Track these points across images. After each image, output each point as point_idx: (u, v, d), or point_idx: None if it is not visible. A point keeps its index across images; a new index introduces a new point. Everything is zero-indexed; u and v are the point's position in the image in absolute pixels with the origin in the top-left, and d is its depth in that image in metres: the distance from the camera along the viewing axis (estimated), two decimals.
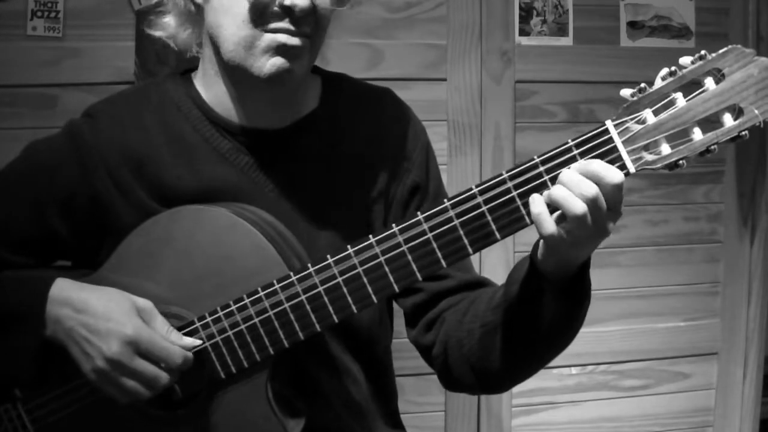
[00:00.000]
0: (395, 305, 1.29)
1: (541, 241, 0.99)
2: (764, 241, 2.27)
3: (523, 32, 2.09)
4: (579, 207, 0.91)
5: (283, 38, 1.08)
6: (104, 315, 1.04)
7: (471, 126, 2.07)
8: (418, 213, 0.98)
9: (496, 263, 2.08)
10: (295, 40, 1.09)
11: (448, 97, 2.05)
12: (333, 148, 1.21)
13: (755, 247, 2.27)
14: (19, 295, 1.09)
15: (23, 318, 1.07)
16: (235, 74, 1.14)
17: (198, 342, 1.06)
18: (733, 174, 2.25)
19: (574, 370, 2.20)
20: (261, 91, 1.16)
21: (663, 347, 2.25)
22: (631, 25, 2.15)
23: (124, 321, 1.04)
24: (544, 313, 1.03)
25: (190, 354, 1.05)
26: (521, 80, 2.10)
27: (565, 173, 0.93)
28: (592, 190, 0.91)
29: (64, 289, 1.08)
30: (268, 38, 1.09)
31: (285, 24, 1.08)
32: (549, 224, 0.93)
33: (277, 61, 1.09)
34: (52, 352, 1.08)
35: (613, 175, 0.91)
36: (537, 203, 0.94)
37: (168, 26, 1.20)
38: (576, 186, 0.91)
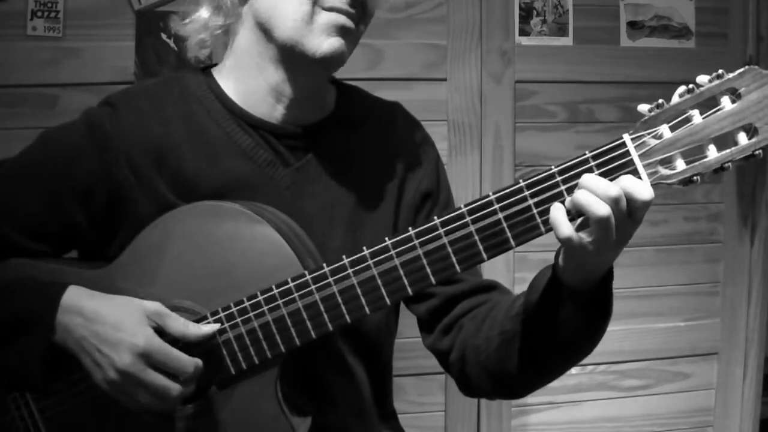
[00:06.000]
0: (405, 310, 1.29)
1: (562, 249, 0.99)
2: (764, 241, 2.27)
3: (523, 32, 2.09)
4: (603, 209, 0.91)
5: (342, 20, 1.11)
6: (115, 325, 1.03)
7: (471, 126, 2.07)
8: (435, 218, 0.99)
9: (495, 260, 2.07)
10: (351, 23, 1.12)
11: (448, 97, 2.05)
12: (348, 151, 1.22)
13: (755, 247, 2.27)
14: (30, 301, 1.08)
15: (33, 325, 1.07)
16: (290, 57, 1.14)
17: (217, 326, 1.05)
18: (733, 174, 2.25)
19: (573, 370, 2.17)
20: (307, 79, 1.17)
21: (663, 347, 2.25)
22: (631, 25, 2.15)
23: (136, 332, 1.02)
24: (563, 323, 1.03)
25: (200, 362, 1.04)
26: (521, 80, 2.10)
27: (588, 177, 0.92)
28: (615, 192, 0.91)
29: (75, 298, 1.07)
30: (327, 17, 1.11)
31: (340, 3, 1.11)
32: (565, 228, 0.93)
33: (335, 42, 1.11)
34: (60, 359, 1.07)
35: (643, 191, 0.91)
36: (556, 207, 0.94)
37: (198, 20, 1.20)
38: (601, 189, 0.91)
